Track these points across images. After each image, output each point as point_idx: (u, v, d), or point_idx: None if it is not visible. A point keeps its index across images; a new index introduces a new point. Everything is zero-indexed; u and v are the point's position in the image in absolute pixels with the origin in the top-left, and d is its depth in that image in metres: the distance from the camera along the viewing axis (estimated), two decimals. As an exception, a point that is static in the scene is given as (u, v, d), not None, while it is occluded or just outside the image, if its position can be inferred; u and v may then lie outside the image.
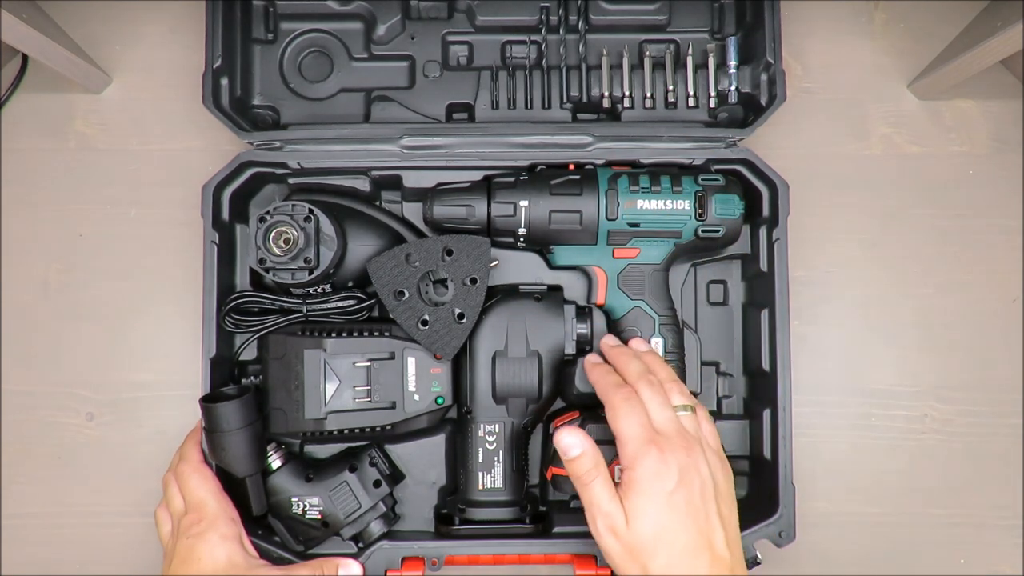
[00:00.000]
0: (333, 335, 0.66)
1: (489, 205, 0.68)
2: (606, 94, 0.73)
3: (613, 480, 0.57)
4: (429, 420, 0.68)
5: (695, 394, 0.73)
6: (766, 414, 0.69)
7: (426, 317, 0.65)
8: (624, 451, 0.57)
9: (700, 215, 0.67)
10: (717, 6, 0.74)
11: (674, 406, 0.59)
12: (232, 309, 0.68)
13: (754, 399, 0.72)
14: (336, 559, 0.65)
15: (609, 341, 0.67)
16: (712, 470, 0.57)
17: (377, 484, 0.67)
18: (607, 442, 0.64)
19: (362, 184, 0.71)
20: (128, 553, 0.73)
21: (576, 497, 0.59)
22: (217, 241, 0.68)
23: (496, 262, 0.67)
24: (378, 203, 0.73)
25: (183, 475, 0.63)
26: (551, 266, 0.72)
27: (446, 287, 0.66)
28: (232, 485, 0.64)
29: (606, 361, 0.65)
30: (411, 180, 0.70)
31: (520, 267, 0.73)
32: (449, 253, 0.65)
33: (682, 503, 0.54)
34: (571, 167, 0.69)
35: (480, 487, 0.67)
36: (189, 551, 0.60)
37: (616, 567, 0.56)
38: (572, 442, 0.58)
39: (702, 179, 0.68)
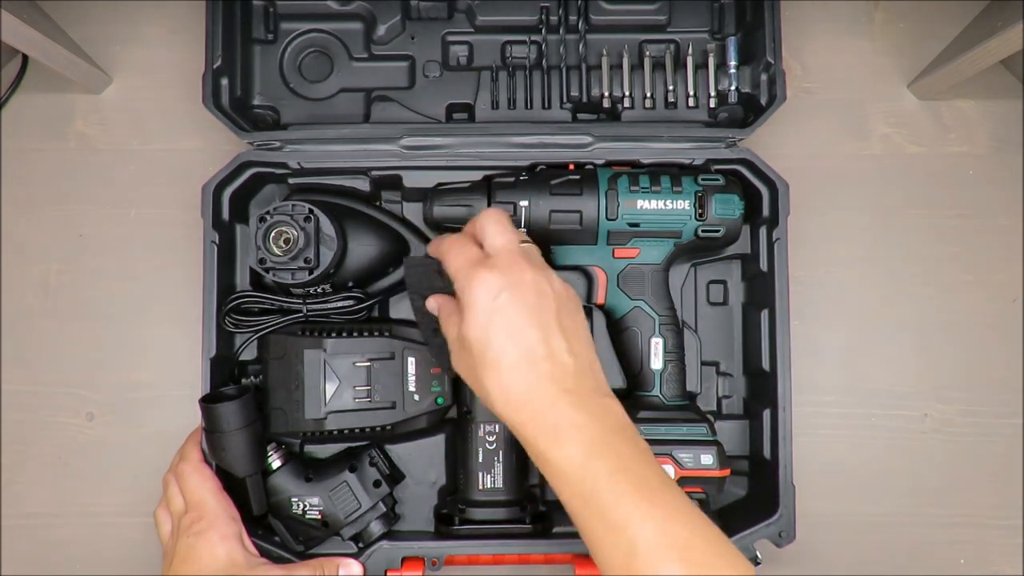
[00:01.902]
0: (333, 335, 0.66)
1: (489, 205, 0.68)
2: (606, 94, 0.73)
3: None
4: (429, 420, 0.68)
5: (695, 394, 0.73)
6: (766, 414, 0.69)
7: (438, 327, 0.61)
8: (458, 286, 0.53)
9: (700, 215, 0.67)
10: (717, 6, 0.74)
11: (521, 241, 0.56)
12: (232, 309, 0.68)
13: (754, 399, 0.72)
14: (336, 559, 0.65)
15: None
16: (552, 286, 0.53)
17: (377, 484, 0.67)
18: None
19: (362, 184, 0.71)
20: (128, 553, 0.73)
21: None
22: (217, 241, 0.68)
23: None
24: (378, 203, 0.73)
25: (183, 474, 0.63)
26: (551, 266, 0.72)
27: None
28: (232, 485, 0.64)
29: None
30: (411, 180, 0.70)
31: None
32: (441, 275, 0.61)
33: (512, 313, 0.51)
34: (571, 167, 0.69)
35: (480, 487, 0.67)
36: (189, 550, 0.60)
37: (473, 390, 0.54)
38: (431, 304, 0.58)
39: (702, 179, 0.68)
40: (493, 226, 0.55)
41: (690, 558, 0.47)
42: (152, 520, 0.66)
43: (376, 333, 0.67)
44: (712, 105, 0.73)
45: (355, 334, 0.66)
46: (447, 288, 0.58)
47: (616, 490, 0.48)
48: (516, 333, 0.51)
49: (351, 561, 0.65)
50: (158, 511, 0.65)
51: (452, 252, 0.55)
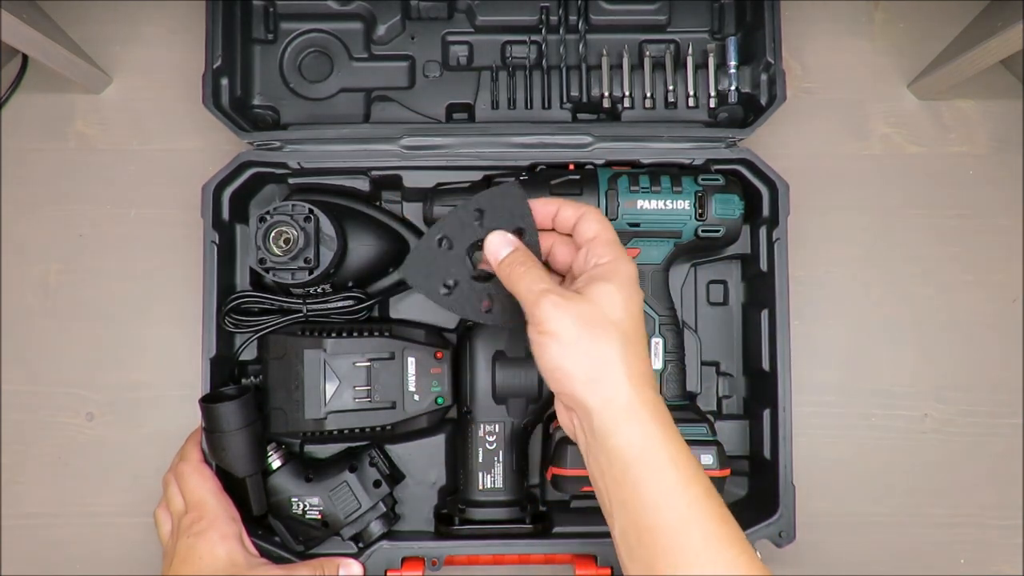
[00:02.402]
0: (333, 335, 0.66)
1: (489, 205, 0.67)
2: (606, 94, 0.73)
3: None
4: (429, 420, 0.68)
5: (695, 394, 0.73)
6: (766, 414, 0.69)
7: (488, 296, 0.57)
8: (607, 249, 0.52)
9: (700, 215, 0.67)
10: (717, 6, 0.74)
11: None
12: (232, 309, 0.68)
13: (754, 399, 0.72)
14: (337, 559, 0.65)
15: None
16: None
17: (377, 484, 0.67)
18: None
19: (362, 184, 0.71)
20: (128, 553, 0.73)
21: (576, 497, 0.59)
22: (217, 241, 0.68)
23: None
24: (378, 203, 0.73)
25: (183, 474, 0.63)
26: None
27: None
28: (232, 485, 0.64)
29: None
30: (411, 180, 0.70)
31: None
32: (481, 213, 0.56)
33: (639, 306, 0.51)
34: (571, 167, 0.69)
35: (480, 487, 0.67)
36: (190, 550, 0.60)
37: (564, 346, 0.49)
38: (499, 241, 0.54)
39: (702, 179, 0.68)
40: (613, 235, 0.55)
41: (722, 542, 0.48)
42: (152, 520, 0.66)
43: (376, 333, 0.67)
44: (712, 105, 0.73)
45: (355, 334, 0.66)
46: (458, 253, 0.56)
47: (659, 478, 0.48)
48: (636, 322, 0.51)
49: (351, 561, 0.65)
50: (158, 511, 0.65)
51: (606, 222, 0.54)
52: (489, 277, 0.56)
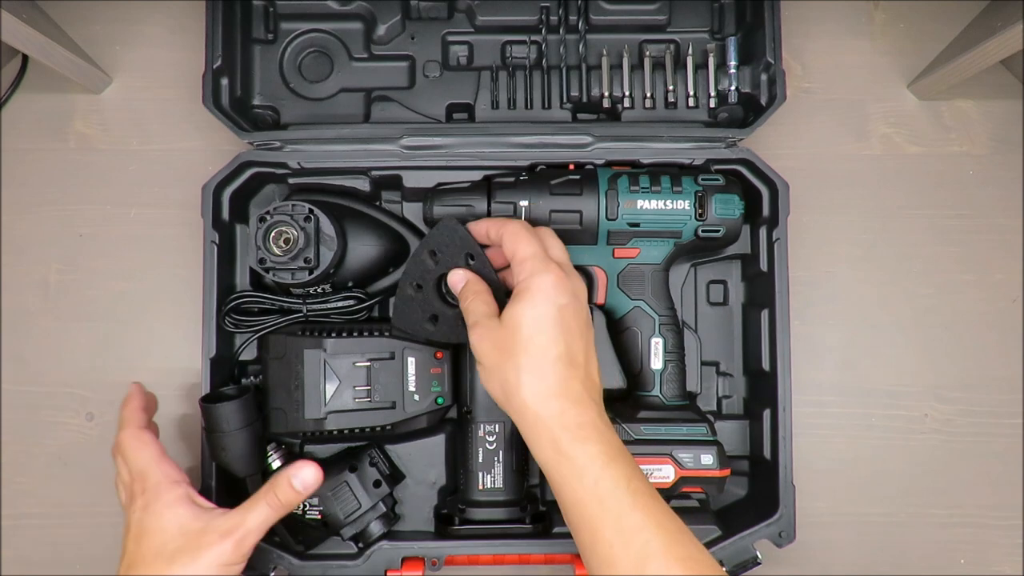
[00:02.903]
0: (333, 335, 0.66)
1: (489, 205, 0.68)
2: (606, 94, 0.73)
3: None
4: (429, 420, 0.68)
5: (695, 394, 0.73)
6: (766, 414, 0.69)
7: (436, 314, 0.63)
8: (522, 267, 0.57)
9: (700, 215, 0.67)
10: (717, 6, 0.74)
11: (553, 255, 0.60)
12: (232, 309, 0.68)
13: (754, 399, 0.72)
14: (285, 471, 0.59)
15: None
16: (591, 316, 0.59)
17: (377, 484, 0.67)
18: None
19: (362, 184, 0.71)
20: (128, 553, 0.73)
21: None
22: (217, 241, 0.68)
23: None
24: (378, 203, 0.73)
25: (121, 444, 0.61)
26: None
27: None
28: (232, 485, 0.64)
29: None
30: (411, 180, 0.70)
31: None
32: (434, 253, 0.62)
33: (571, 318, 0.55)
34: (571, 167, 0.69)
35: (480, 487, 0.67)
36: (138, 526, 0.58)
37: (486, 371, 0.57)
38: (458, 277, 0.60)
39: (702, 179, 0.68)
40: (554, 240, 0.61)
41: (695, 569, 0.51)
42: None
43: (376, 333, 0.67)
44: (712, 105, 0.73)
45: (355, 334, 0.66)
46: (452, 263, 0.62)
47: (635, 495, 0.52)
48: (568, 334, 0.55)
49: (300, 464, 0.59)
50: (116, 482, 0.62)
51: (523, 237, 0.58)
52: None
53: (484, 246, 0.62)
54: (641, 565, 0.50)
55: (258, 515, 0.58)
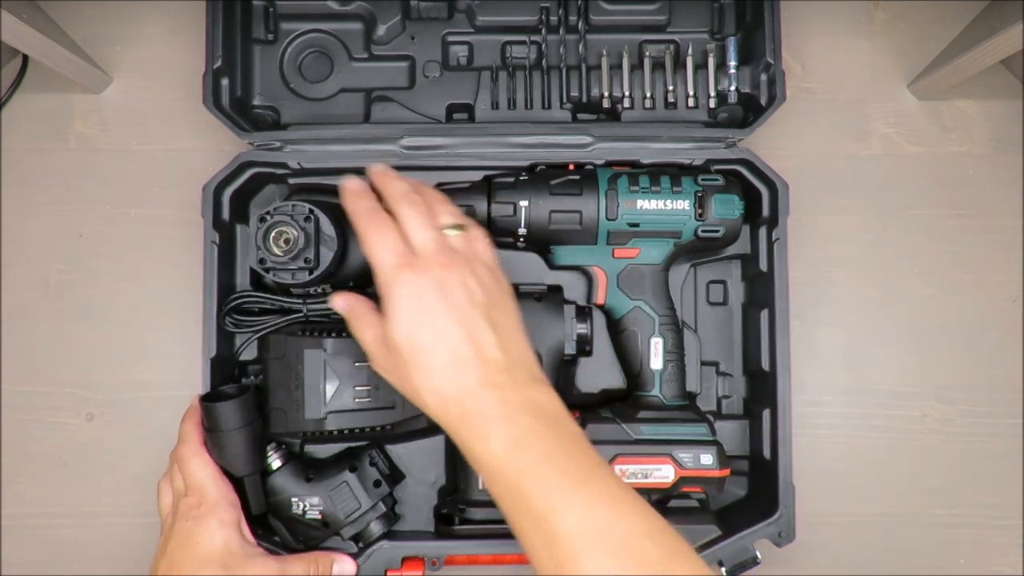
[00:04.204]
0: (333, 335, 0.66)
1: (489, 205, 0.68)
2: (606, 94, 0.73)
3: None
4: (429, 420, 0.67)
5: (694, 394, 0.73)
6: (766, 414, 0.69)
7: None
8: (379, 282, 0.53)
9: (700, 215, 0.67)
10: (717, 6, 0.74)
11: (441, 226, 0.56)
12: (232, 309, 0.68)
13: (754, 399, 0.72)
14: (331, 554, 0.65)
15: (377, 167, 0.60)
16: (481, 281, 0.54)
17: (377, 484, 0.67)
18: (603, 442, 0.64)
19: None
20: (128, 553, 0.73)
21: None
22: (217, 241, 0.68)
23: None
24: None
25: (183, 457, 0.63)
26: (551, 266, 0.72)
27: None
28: (232, 483, 0.64)
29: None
30: (411, 180, 0.70)
31: (520, 267, 0.73)
32: None
33: (439, 314, 0.51)
34: (571, 167, 0.69)
35: (480, 487, 0.67)
36: (187, 534, 0.60)
37: (407, 395, 0.54)
38: (339, 303, 0.58)
39: (702, 179, 0.68)
40: (414, 219, 0.55)
41: (612, 540, 0.45)
42: (152, 520, 0.66)
43: (376, 333, 0.67)
44: (712, 105, 0.73)
45: (355, 334, 0.66)
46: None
47: (540, 480, 0.47)
48: (443, 333, 0.51)
49: (346, 557, 0.65)
50: (161, 483, 0.65)
51: (374, 242, 0.54)
52: None
53: None
54: (552, 555, 0.46)
55: (295, 572, 0.62)
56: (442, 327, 0.51)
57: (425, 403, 0.52)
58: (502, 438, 0.49)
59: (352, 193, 0.58)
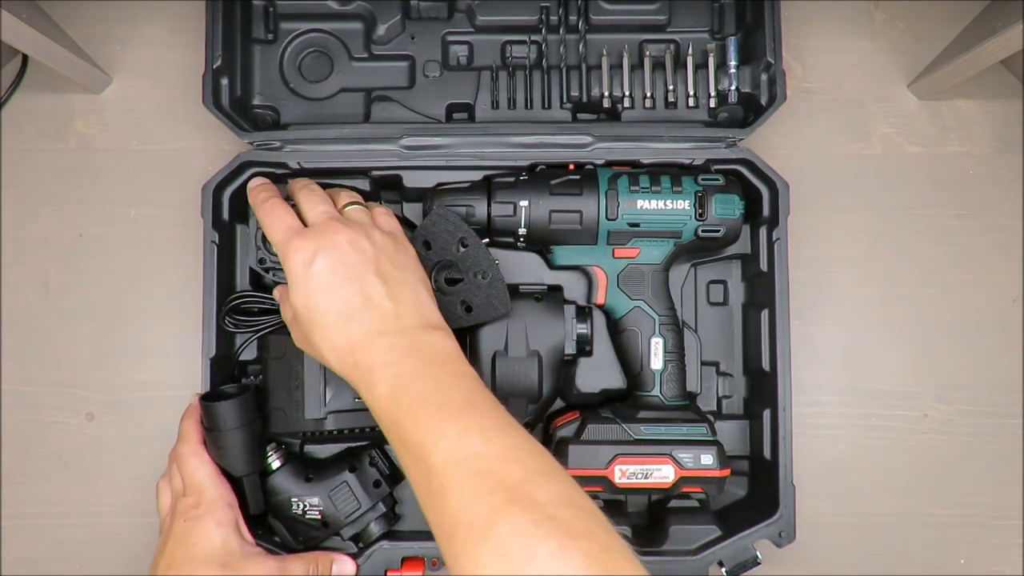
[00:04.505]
0: (333, 335, 0.66)
1: (489, 205, 0.68)
2: (606, 94, 0.73)
3: None
4: (429, 420, 0.68)
5: (695, 394, 0.73)
6: (766, 414, 0.69)
7: (461, 301, 0.64)
8: (280, 259, 0.56)
9: (700, 215, 0.67)
10: (717, 6, 0.74)
11: (341, 204, 0.60)
12: (232, 309, 0.68)
13: (754, 399, 0.72)
14: (331, 554, 0.65)
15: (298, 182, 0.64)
16: (373, 241, 0.56)
17: (377, 484, 0.67)
18: (603, 442, 0.64)
19: (362, 184, 0.71)
20: (128, 553, 0.73)
21: None
22: (217, 241, 0.68)
23: (497, 261, 0.66)
24: (379, 203, 0.73)
25: (181, 457, 0.63)
26: (551, 266, 0.72)
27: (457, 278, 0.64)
28: (231, 483, 0.64)
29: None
30: (411, 180, 0.70)
31: (520, 267, 0.73)
32: (427, 243, 0.64)
33: (328, 273, 0.54)
34: (571, 167, 0.69)
35: (480, 487, 0.67)
36: (186, 534, 0.60)
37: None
38: (274, 293, 0.64)
39: (702, 179, 0.68)
40: (307, 199, 0.59)
41: (477, 466, 0.45)
42: (151, 520, 0.65)
43: (376, 333, 0.67)
44: (712, 105, 0.73)
45: (355, 334, 0.66)
46: (434, 257, 0.63)
47: (416, 417, 0.49)
48: (333, 291, 0.54)
49: (346, 557, 0.66)
50: (160, 483, 0.65)
51: (270, 224, 0.58)
52: (455, 282, 0.64)
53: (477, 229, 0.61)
54: (428, 488, 0.46)
55: (294, 572, 0.62)
56: (332, 284, 0.54)
57: (327, 360, 0.54)
58: (385, 382, 0.51)
59: (253, 188, 0.63)
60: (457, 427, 0.48)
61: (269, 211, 0.58)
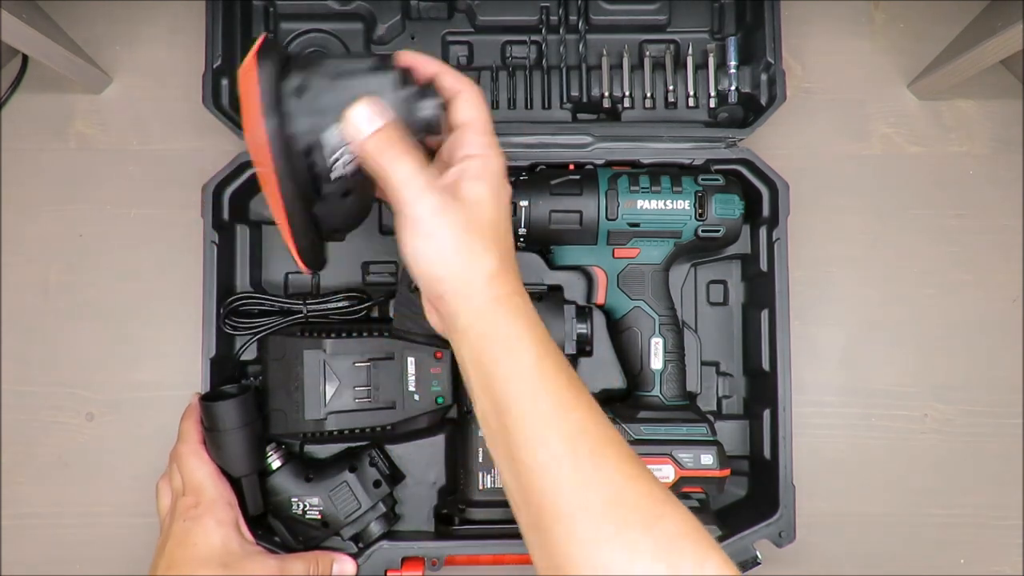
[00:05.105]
0: (333, 335, 0.66)
1: (489, 205, 0.67)
2: (606, 94, 0.73)
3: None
4: (429, 420, 0.68)
5: (695, 394, 0.73)
6: (766, 414, 0.69)
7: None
8: (470, 137, 0.51)
9: (700, 215, 0.67)
10: (717, 6, 0.74)
11: None
12: (231, 312, 0.68)
13: (754, 399, 0.72)
14: (332, 554, 0.65)
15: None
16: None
17: (377, 484, 0.67)
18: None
19: (362, 184, 0.71)
20: (128, 553, 0.73)
21: None
22: (217, 241, 0.68)
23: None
24: (378, 203, 0.73)
25: (181, 456, 0.63)
26: (551, 266, 0.72)
27: None
28: (231, 483, 0.64)
29: None
30: (411, 180, 0.70)
31: (520, 267, 0.73)
32: None
33: (507, 206, 0.52)
34: (571, 167, 0.69)
35: (480, 487, 0.67)
36: (185, 534, 0.60)
37: (433, 244, 0.48)
38: (366, 114, 0.48)
39: (702, 179, 0.68)
40: (487, 122, 0.53)
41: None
42: (151, 520, 0.65)
43: (376, 333, 0.67)
44: (712, 105, 0.73)
45: (355, 334, 0.66)
46: None
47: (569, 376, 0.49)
48: (506, 214, 0.51)
49: (346, 557, 0.65)
50: (160, 482, 0.65)
51: (483, 107, 0.53)
52: None
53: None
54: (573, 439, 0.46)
55: (294, 571, 0.62)
56: (504, 210, 0.52)
57: (464, 261, 0.49)
58: (506, 320, 0.49)
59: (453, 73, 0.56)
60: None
61: (480, 97, 0.54)
